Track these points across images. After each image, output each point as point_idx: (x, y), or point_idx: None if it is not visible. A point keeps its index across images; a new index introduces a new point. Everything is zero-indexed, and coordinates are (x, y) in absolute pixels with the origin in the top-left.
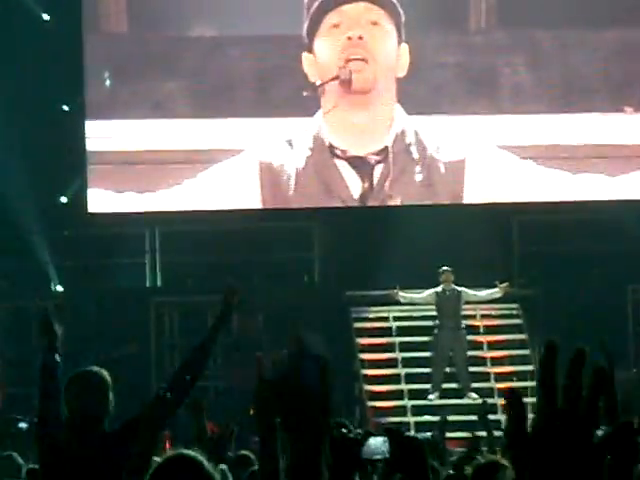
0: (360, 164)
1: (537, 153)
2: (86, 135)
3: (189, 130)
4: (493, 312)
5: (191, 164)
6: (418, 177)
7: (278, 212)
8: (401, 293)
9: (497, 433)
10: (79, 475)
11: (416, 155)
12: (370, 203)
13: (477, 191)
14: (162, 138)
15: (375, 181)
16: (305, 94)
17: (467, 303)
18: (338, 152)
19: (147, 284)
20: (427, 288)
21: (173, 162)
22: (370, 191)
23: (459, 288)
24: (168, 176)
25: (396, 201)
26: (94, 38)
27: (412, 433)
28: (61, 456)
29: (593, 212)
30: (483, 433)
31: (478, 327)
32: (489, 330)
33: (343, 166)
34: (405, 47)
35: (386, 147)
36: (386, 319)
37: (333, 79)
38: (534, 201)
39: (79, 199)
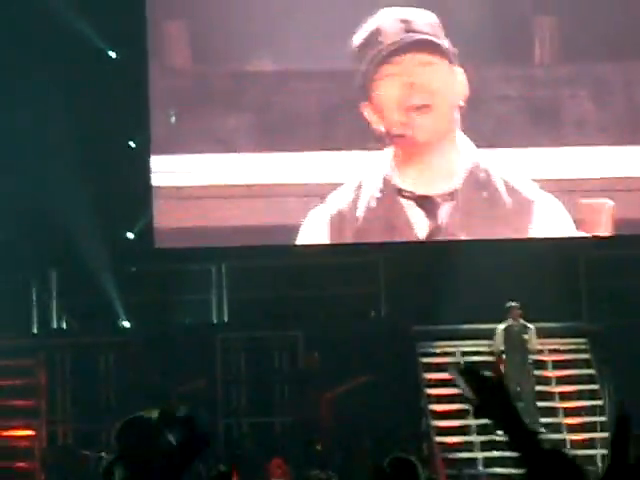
0: (427, 204)
1: (600, 186)
2: (152, 170)
3: (252, 164)
4: (561, 347)
5: (256, 198)
6: (487, 217)
7: (344, 247)
8: (500, 352)
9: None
10: None
11: (485, 195)
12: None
13: (543, 232)
14: (226, 172)
15: (443, 221)
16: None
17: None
18: (406, 194)
19: (214, 320)
20: (493, 322)
21: (237, 196)
22: (437, 231)
23: (528, 324)
24: (232, 210)
25: (459, 237)
26: (159, 73)
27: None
28: None
29: None
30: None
31: (546, 362)
32: (557, 365)
33: (410, 207)
34: (459, 70)
35: (455, 189)
36: (453, 354)
37: (400, 134)
38: (600, 235)
39: (146, 234)
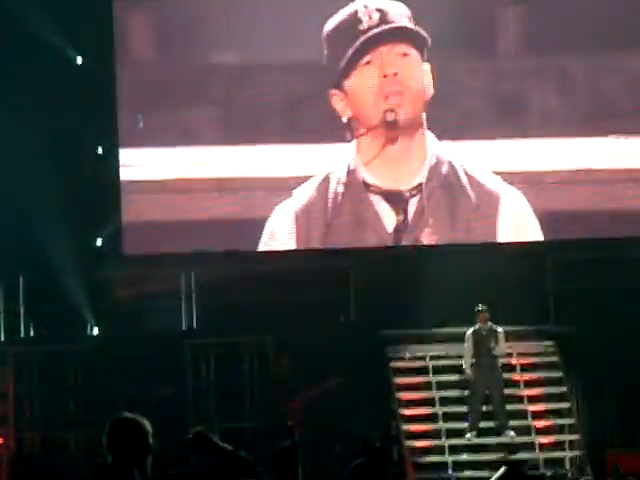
0: (394, 198)
1: (566, 177)
2: (120, 164)
3: (219, 158)
4: (529, 350)
5: (222, 191)
6: (453, 212)
7: (313, 252)
8: (465, 366)
9: (531, 472)
10: None
11: (450, 190)
12: (405, 237)
13: (511, 226)
14: (192, 166)
15: (410, 216)
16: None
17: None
18: (373, 188)
19: (183, 326)
20: (462, 326)
21: (204, 190)
22: (404, 225)
23: (496, 327)
24: (200, 204)
25: (431, 237)
26: (124, 68)
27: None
28: None
29: (627, 248)
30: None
31: (514, 365)
32: (525, 368)
33: (377, 200)
34: (428, 66)
35: (420, 184)
36: (423, 358)
37: (379, 123)
38: (568, 238)
39: (114, 240)
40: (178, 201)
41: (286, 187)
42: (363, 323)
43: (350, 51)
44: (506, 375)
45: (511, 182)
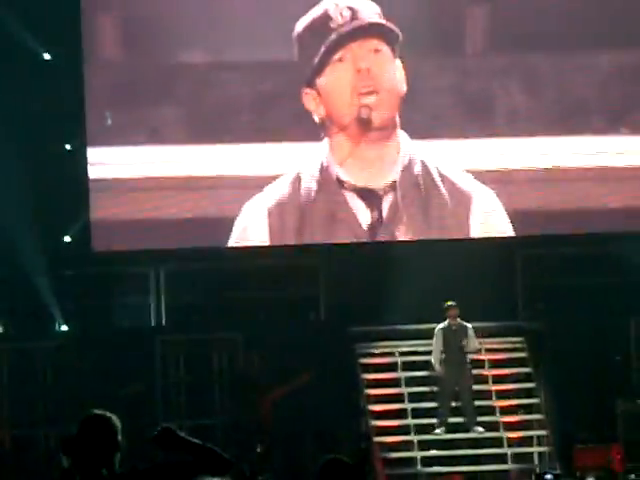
0: (369, 196)
1: (534, 175)
2: (88, 162)
3: (187, 156)
4: (498, 346)
5: (191, 190)
6: (426, 210)
7: (283, 249)
8: (434, 362)
9: (499, 467)
10: None
11: (423, 188)
12: (379, 234)
13: (484, 223)
14: (161, 165)
15: (384, 213)
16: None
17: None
18: (346, 185)
19: (152, 323)
20: (431, 322)
21: (172, 188)
22: (379, 222)
23: (466, 324)
24: (168, 203)
25: (406, 234)
26: (91, 67)
27: None
28: None
29: (595, 245)
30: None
31: (483, 361)
32: (494, 364)
33: (352, 197)
34: (399, 63)
35: (394, 182)
36: (392, 354)
37: (353, 120)
38: (537, 234)
39: (83, 237)
40: (146, 199)
41: (255, 185)
42: (332, 320)
43: (323, 48)
44: (475, 371)
45: (482, 181)
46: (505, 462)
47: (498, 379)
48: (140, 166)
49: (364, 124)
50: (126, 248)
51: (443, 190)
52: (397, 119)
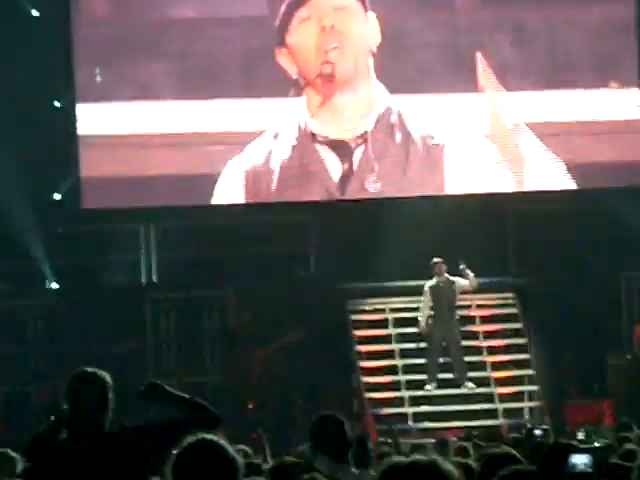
0: (341, 148)
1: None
2: (77, 119)
3: (175, 112)
4: (488, 302)
5: (179, 146)
6: (398, 161)
7: (273, 206)
8: (420, 320)
9: (490, 422)
10: (75, 471)
11: (397, 139)
12: (350, 186)
13: (459, 177)
14: (149, 120)
15: (355, 165)
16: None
17: (463, 293)
18: (320, 138)
19: (143, 280)
20: (422, 279)
21: (161, 145)
22: (350, 174)
23: (452, 278)
24: (156, 159)
25: (376, 185)
26: (81, 23)
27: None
28: (59, 452)
29: (586, 200)
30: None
31: (474, 317)
32: (485, 320)
33: (324, 151)
34: (372, 16)
35: (366, 132)
36: (382, 311)
37: (317, 76)
38: (527, 190)
39: (72, 194)
40: (136, 156)
41: (244, 142)
42: (323, 277)
43: (283, 7)
44: (465, 327)
45: (470, 134)
46: (496, 417)
47: (489, 335)
48: (129, 122)
49: (328, 78)
50: (116, 205)
51: (418, 141)
52: (369, 71)
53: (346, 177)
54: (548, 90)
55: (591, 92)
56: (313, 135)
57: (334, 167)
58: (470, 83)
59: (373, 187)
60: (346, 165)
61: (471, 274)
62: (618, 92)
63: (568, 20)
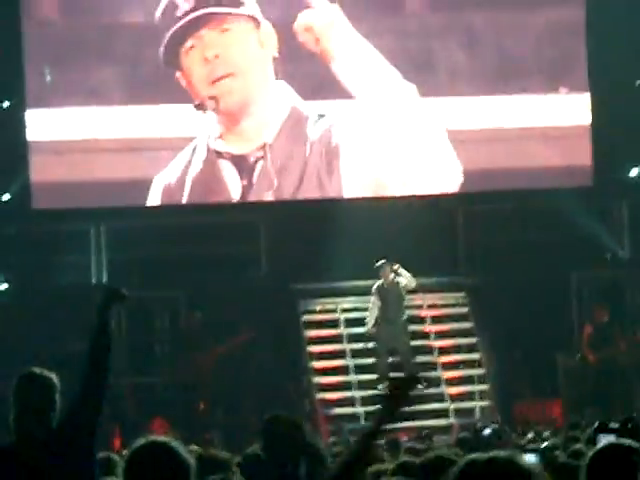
0: (241, 163)
1: (473, 135)
2: (27, 124)
3: (125, 117)
4: (439, 301)
5: (131, 152)
6: (299, 172)
7: (226, 206)
8: (369, 326)
9: (442, 422)
10: (26, 473)
11: (298, 147)
12: (250, 198)
13: (356, 180)
14: (100, 126)
15: (253, 178)
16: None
17: (411, 292)
18: (225, 155)
19: (93, 281)
20: (373, 278)
21: (113, 149)
22: (248, 189)
23: (397, 279)
24: (106, 164)
25: (277, 196)
26: (31, 27)
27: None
28: (8, 461)
29: (535, 201)
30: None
31: (425, 317)
32: (435, 320)
33: (226, 167)
34: (266, 25)
35: (265, 144)
36: (334, 311)
37: (202, 108)
38: (478, 191)
39: (22, 195)
40: (85, 160)
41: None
42: (274, 277)
43: (165, 39)
44: (416, 327)
45: (423, 140)
46: (447, 417)
47: (439, 335)
48: (79, 127)
49: (223, 108)
50: (66, 206)
51: (320, 146)
52: (268, 83)
53: (246, 192)
54: (498, 95)
55: (540, 97)
56: (218, 153)
57: (234, 183)
58: (423, 88)
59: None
60: (245, 180)
61: (407, 274)
62: (567, 97)
63: (516, 24)
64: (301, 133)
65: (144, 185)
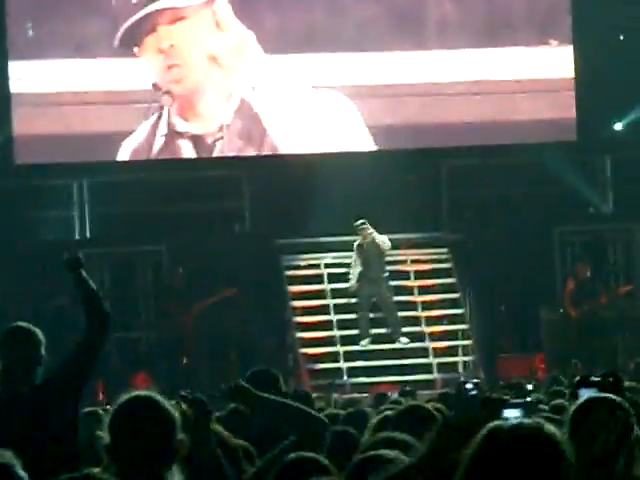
0: (200, 143)
1: (461, 88)
2: (10, 77)
3: (109, 70)
4: (423, 257)
5: (116, 104)
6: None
7: (208, 161)
8: (352, 282)
9: (425, 377)
10: (10, 426)
11: (253, 126)
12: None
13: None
14: (84, 78)
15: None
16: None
17: (394, 248)
18: (185, 135)
19: (76, 236)
20: (357, 234)
21: (98, 103)
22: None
23: (376, 239)
24: (91, 117)
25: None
26: None
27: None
28: None
29: (519, 156)
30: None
31: (408, 272)
32: (419, 275)
33: (186, 147)
34: (224, 4)
35: (222, 125)
36: (317, 266)
37: (158, 101)
38: (462, 145)
39: (5, 150)
40: (70, 113)
41: None
42: (258, 232)
43: (120, 32)
44: (400, 282)
45: (407, 94)
46: (430, 372)
47: (423, 290)
48: (64, 80)
49: (180, 94)
50: (50, 161)
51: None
52: (223, 63)
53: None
54: (485, 47)
55: (527, 50)
56: (178, 133)
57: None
58: (412, 40)
59: (291, 143)
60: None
61: (381, 237)
62: (553, 51)
63: None
64: (257, 112)
65: (129, 137)
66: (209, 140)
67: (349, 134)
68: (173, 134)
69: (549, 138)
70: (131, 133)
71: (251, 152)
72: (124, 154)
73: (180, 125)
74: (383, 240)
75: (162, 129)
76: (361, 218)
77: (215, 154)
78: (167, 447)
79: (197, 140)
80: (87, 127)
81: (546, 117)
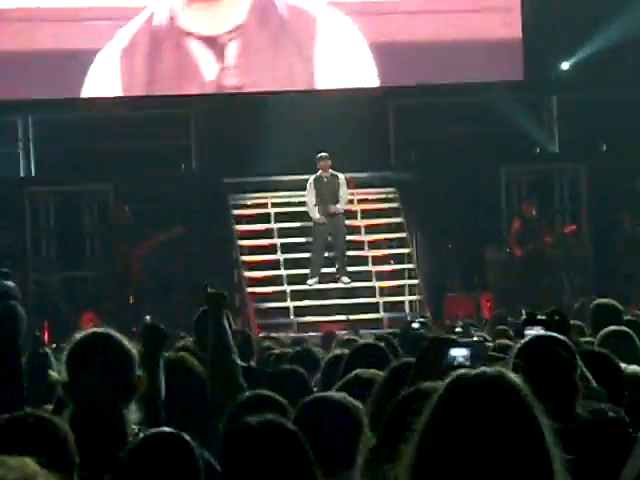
0: (214, 44)
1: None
2: None
3: None
4: (370, 196)
5: (66, 22)
6: (274, 54)
7: (154, 99)
8: (310, 212)
9: (372, 316)
10: None
11: (270, 29)
12: (224, 82)
13: (333, 64)
14: None
15: (229, 62)
16: None
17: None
18: (192, 35)
19: (21, 174)
20: (304, 174)
21: (47, 19)
22: (224, 72)
23: (338, 174)
24: (41, 34)
25: (252, 82)
26: None
27: None
28: None
29: (468, 94)
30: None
31: (356, 212)
32: (366, 214)
33: (198, 48)
34: None
35: (238, 26)
36: (264, 205)
37: None
38: (409, 85)
39: None
40: (20, 29)
41: (131, 17)
42: (205, 171)
43: None
44: (347, 221)
45: (350, 12)
46: (377, 311)
47: (370, 229)
48: None
49: None
50: None
51: (292, 24)
52: None
53: (223, 75)
54: None
55: None
56: (186, 32)
57: (209, 65)
58: None
59: (245, 81)
60: (221, 63)
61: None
62: None
63: None
64: (272, 14)
65: (79, 57)
66: (224, 39)
67: (299, 72)
68: (180, 31)
69: (496, 77)
70: (85, 51)
71: (261, 56)
72: (113, 57)
73: (188, 21)
74: (345, 194)
75: (164, 22)
76: (323, 150)
77: (228, 58)
78: (125, 382)
79: (210, 43)
80: (35, 44)
81: (492, 56)
